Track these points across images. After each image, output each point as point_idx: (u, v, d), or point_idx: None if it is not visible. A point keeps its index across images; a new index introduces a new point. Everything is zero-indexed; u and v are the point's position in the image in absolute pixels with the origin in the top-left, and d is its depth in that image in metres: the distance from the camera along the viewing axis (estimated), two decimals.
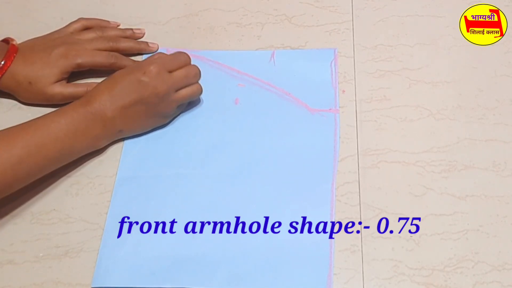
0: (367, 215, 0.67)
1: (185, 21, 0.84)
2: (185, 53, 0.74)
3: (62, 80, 0.74)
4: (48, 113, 0.68)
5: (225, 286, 0.63)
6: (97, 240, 0.66)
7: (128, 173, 0.71)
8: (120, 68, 0.77)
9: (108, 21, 0.82)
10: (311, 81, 0.77)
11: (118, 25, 0.83)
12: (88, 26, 0.80)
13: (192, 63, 0.74)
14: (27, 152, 0.64)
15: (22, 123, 0.66)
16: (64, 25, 0.80)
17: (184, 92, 0.72)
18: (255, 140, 0.72)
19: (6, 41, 0.75)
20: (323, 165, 0.70)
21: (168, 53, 0.74)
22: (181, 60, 0.73)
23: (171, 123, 0.74)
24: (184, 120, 0.74)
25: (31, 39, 0.77)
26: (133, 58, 0.79)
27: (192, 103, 0.75)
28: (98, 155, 0.72)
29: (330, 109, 0.75)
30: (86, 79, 0.78)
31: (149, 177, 0.70)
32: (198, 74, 0.74)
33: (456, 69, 0.78)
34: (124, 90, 0.69)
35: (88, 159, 0.72)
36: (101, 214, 0.68)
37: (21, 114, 0.76)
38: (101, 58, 0.76)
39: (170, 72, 0.71)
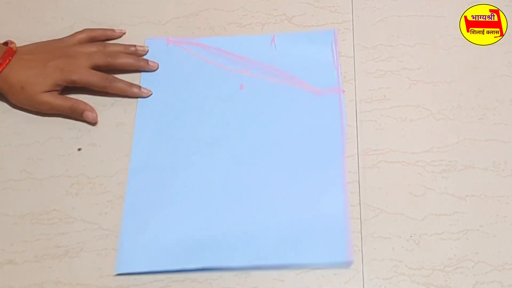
0: (367, 215, 0.67)
1: (185, 21, 0.84)
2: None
3: (54, 91, 0.74)
4: None
5: (246, 263, 0.64)
6: (97, 240, 0.67)
7: (140, 163, 0.71)
8: (112, 91, 0.76)
9: (113, 30, 0.82)
10: (313, 62, 0.78)
11: (124, 33, 0.82)
12: (93, 36, 0.80)
13: (193, 51, 0.73)
14: None
15: None
16: (64, 25, 0.80)
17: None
18: (263, 124, 0.73)
19: (6, 43, 0.75)
20: (331, 147, 0.71)
21: (169, 43, 0.74)
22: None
23: (178, 110, 0.75)
24: (191, 108, 0.75)
25: (34, 43, 0.77)
26: (131, 74, 0.78)
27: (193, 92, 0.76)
28: (98, 155, 0.72)
29: (333, 89, 0.75)
30: (80, 94, 0.77)
31: (161, 167, 0.71)
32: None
33: (456, 69, 0.77)
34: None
35: (89, 159, 0.72)
36: (101, 214, 0.68)
37: (21, 114, 0.76)
38: (95, 80, 0.75)
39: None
